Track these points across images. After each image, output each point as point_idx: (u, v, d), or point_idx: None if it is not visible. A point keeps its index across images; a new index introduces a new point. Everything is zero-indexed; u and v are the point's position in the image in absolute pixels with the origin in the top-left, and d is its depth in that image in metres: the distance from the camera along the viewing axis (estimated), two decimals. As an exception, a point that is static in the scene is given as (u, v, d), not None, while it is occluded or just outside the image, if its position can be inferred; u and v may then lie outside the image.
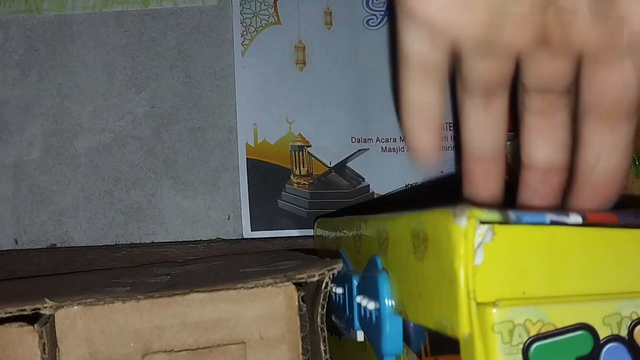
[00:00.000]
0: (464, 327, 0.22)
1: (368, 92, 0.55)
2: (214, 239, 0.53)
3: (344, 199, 0.54)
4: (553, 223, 0.23)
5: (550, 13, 0.22)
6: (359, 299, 0.32)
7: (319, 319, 0.32)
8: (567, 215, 0.23)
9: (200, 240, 0.53)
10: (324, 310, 0.32)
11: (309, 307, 0.33)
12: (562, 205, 0.29)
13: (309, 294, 0.34)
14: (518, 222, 0.23)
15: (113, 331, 0.31)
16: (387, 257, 0.30)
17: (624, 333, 0.23)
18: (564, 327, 0.22)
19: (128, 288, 0.33)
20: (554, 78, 0.24)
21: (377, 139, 0.55)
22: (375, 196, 0.55)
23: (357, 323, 0.33)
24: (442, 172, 0.56)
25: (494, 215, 0.22)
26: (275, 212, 0.53)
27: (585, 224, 0.24)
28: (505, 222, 0.22)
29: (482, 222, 0.22)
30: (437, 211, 0.24)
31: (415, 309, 0.26)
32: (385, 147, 0.55)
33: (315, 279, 0.32)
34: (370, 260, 0.32)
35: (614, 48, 0.22)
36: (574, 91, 0.25)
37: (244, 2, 0.54)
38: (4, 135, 0.52)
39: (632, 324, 0.23)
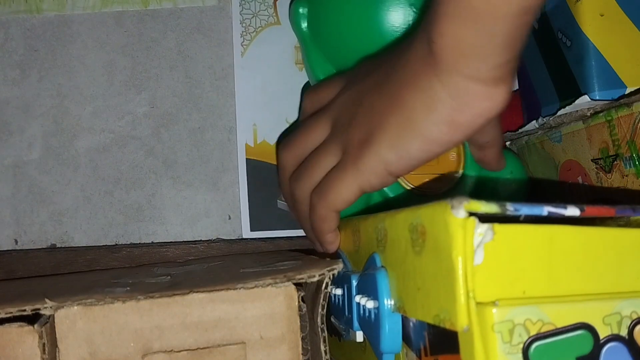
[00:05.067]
0: (462, 319, 0.22)
1: (368, 92, 0.55)
2: (214, 239, 0.53)
3: (343, 199, 0.54)
4: (550, 214, 0.23)
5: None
6: (357, 298, 0.32)
7: (319, 319, 0.32)
8: (565, 207, 0.23)
9: (200, 240, 0.53)
10: (324, 310, 0.32)
11: (309, 308, 0.33)
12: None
13: (309, 294, 0.34)
14: (516, 214, 0.23)
15: (113, 331, 0.31)
16: (386, 254, 0.30)
17: (624, 333, 0.23)
18: (564, 327, 0.22)
19: (128, 288, 0.33)
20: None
21: (377, 139, 0.55)
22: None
23: (356, 323, 0.33)
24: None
25: (492, 207, 0.22)
26: (275, 212, 0.53)
27: (583, 217, 0.24)
28: (503, 214, 0.22)
29: (481, 220, 0.22)
30: (435, 204, 0.24)
31: (413, 303, 0.26)
32: (385, 147, 0.55)
33: (315, 279, 0.32)
34: (369, 259, 0.32)
35: None
36: None
37: (243, 2, 0.54)
38: (4, 135, 0.52)
39: (632, 323, 0.23)
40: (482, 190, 0.44)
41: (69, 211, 0.52)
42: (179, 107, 0.53)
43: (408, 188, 0.43)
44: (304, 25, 0.49)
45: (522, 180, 0.46)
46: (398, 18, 0.44)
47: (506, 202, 0.23)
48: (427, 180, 0.44)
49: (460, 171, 0.44)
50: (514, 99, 0.56)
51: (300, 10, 0.49)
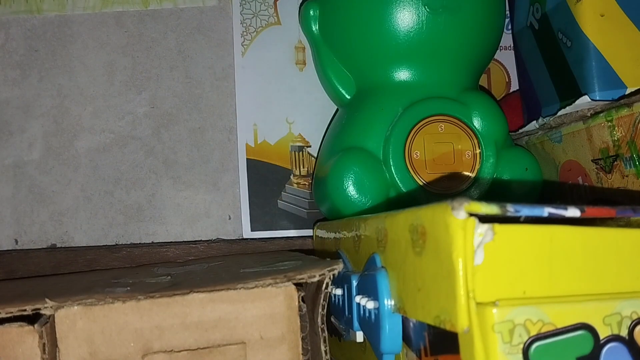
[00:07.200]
0: (462, 320, 0.22)
1: (368, 93, 0.55)
2: (214, 239, 0.53)
3: (344, 199, 0.54)
4: (551, 215, 0.23)
5: None
6: (358, 298, 0.32)
7: (319, 319, 0.32)
8: (565, 208, 0.23)
9: (200, 240, 0.53)
10: (324, 310, 0.32)
11: (309, 308, 0.33)
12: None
13: (309, 294, 0.34)
14: (516, 215, 0.23)
15: (113, 331, 0.31)
16: (386, 255, 0.30)
17: (624, 333, 0.23)
18: (564, 327, 0.22)
19: (128, 288, 0.33)
20: None
21: (377, 139, 0.55)
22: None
23: (356, 323, 0.33)
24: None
25: (492, 208, 0.22)
26: (275, 212, 0.53)
27: (583, 217, 0.24)
28: (504, 215, 0.22)
29: (482, 220, 0.22)
30: (435, 205, 0.24)
31: (413, 304, 0.26)
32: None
33: (316, 279, 0.32)
34: (369, 259, 0.32)
35: None
36: None
37: (244, 2, 0.54)
38: (4, 136, 0.52)
39: (632, 323, 0.23)
40: (496, 189, 0.44)
41: (69, 211, 0.52)
42: (179, 107, 0.53)
43: (421, 184, 0.43)
44: (315, 27, 0.49)
45: (537, 178, 0.46)
46: (411, 17, 0.44)
47: (507, 203, 0.23)
48: (441, 178, 0.44)
49: (476, 170, 0.44)
50: (514, 99, 0.56)
51: (311, 12, 0.49)
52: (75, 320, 0.31)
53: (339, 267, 0.32)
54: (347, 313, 0.34)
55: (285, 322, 0.33)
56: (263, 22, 0.54)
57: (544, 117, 0.47)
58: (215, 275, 0.37)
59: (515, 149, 0.46)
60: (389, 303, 0.29)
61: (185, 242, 0.52)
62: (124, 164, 0.53)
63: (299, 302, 0.33)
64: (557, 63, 0.47)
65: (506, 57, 0.57)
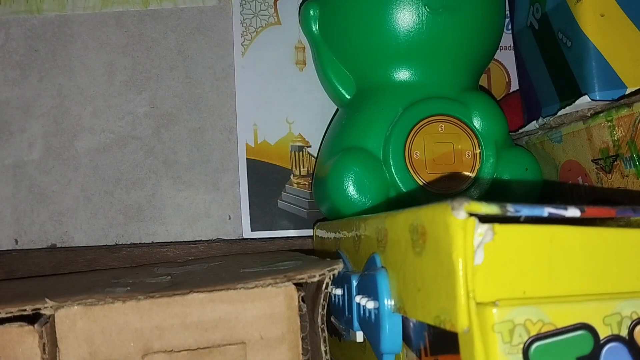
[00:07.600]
0: (462, 320, 0.22)
1: (368, 93, 0.55)
2: (214, 239, 0.53)
3: (344, 199, 0.54)
4: (551, 215, 0.23)
5: None
6: (358, 298, 0.32)
7: (319, 319, 0.32)
8: (565, 208, 0.23)
9: (200, 240, 0.53)
10: (324, 310, 0.32)
11: (309, 308, 0.33)
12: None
13: (309, 294, 0.34)
14: (516, 215, 0.23)
15: (113, 331, 0.31)
16: (386, 255, 0.30)
17: (624, 333, 0.23)
18: (564, 327, 0.22)
19: (128, 288, 0.33)
20: None
21: (377, 139, 0.55)
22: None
23: (356, 323, 0.33)
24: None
25: (492, 208, 0.22)
26: (275, 212, 0.53)
27: (583, 217, 0.24)
28: (504, 215, 0.22)
29: (482, 220, 0.22)
30: (435, 205, 0.24)
31: (413, 304, 0.26)
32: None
33: (316, 279, 0.32)
34: (369, 259, 0.32)
35: None
36: None
37: (244, 2, 0.54)
38: (4, 136, 0.52)
39: (632, 323, 0.23)
40: (496, 189, 0.44)
41: (69, 211, 0.52)
42: (179, 107, 0.53)
43: (421, 184, 0.43)
44: (315, 27, 0.49)
45: (537, 178, 0.46)
46: (411, 17, 0.44)
47: (507, 203, 0.23)
48: (441, 178, 0.44)
49: (476, 170, 0.44)
50: (514, 99, 0.56)
51: (311, 12, 0.49)
52: (75, 320, 0.31)
53: (339, 267, 0.32)
54: (347, 313, 0.34)
55: (285, 322, 0.33)
56: (263, 22, 0.54)
57: (544, 117, 0.47)
58: (215, 275, 0.37)
59: (515, 149, 0.46)
60: (389, 303, 0.29)
61: (185, 242, 0.52)
62: (124, 164, 0.53)
63: (299, 302, 0.33)
64: (557, 63, 0.47)
65: (506, 57, 0.57)
